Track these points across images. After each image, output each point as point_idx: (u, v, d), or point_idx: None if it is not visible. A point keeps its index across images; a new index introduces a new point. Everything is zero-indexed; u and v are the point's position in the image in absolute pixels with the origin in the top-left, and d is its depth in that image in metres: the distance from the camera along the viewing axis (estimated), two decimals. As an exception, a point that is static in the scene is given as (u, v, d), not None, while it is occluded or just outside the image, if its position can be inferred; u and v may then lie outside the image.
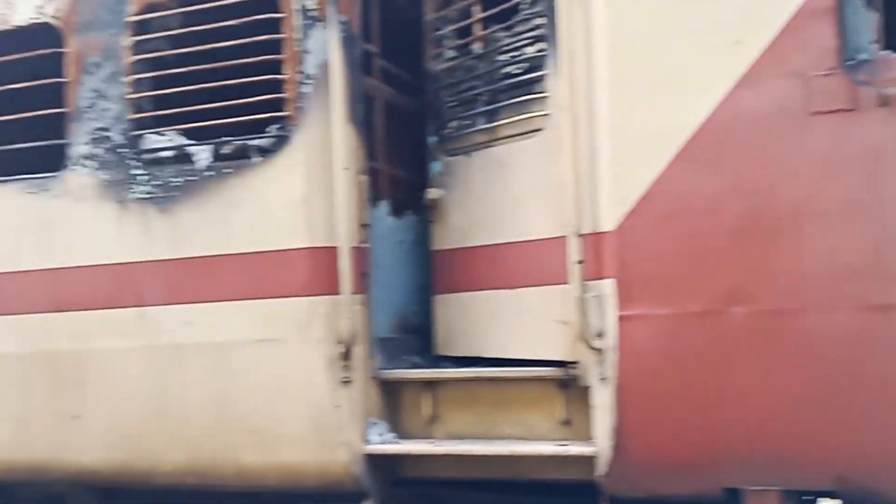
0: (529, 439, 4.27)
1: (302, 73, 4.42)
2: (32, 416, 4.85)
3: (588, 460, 3.96)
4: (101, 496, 5.10)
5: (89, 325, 4.75)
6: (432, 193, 4.75)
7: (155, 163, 4.69)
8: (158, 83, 4.73)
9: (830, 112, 3.52)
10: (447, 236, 4.73)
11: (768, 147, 3.58)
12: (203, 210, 4.56)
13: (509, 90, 4.42)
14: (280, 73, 4.44)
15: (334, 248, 4.34)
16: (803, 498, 3.71)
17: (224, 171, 4.53)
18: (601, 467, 3.89)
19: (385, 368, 4.55)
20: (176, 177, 4.63)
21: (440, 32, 4.78)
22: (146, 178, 4.69)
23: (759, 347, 3.60)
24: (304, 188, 4.37)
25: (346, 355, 4.33)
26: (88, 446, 4.74)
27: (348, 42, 4.43)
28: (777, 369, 3.57)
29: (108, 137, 4.77)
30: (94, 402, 4.73)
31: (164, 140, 4.72)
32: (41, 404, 4.84)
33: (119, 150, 4.74)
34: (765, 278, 3.58)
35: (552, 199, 4.14)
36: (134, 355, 4.65)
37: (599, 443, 3.90)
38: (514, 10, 4.41)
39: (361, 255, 4.43)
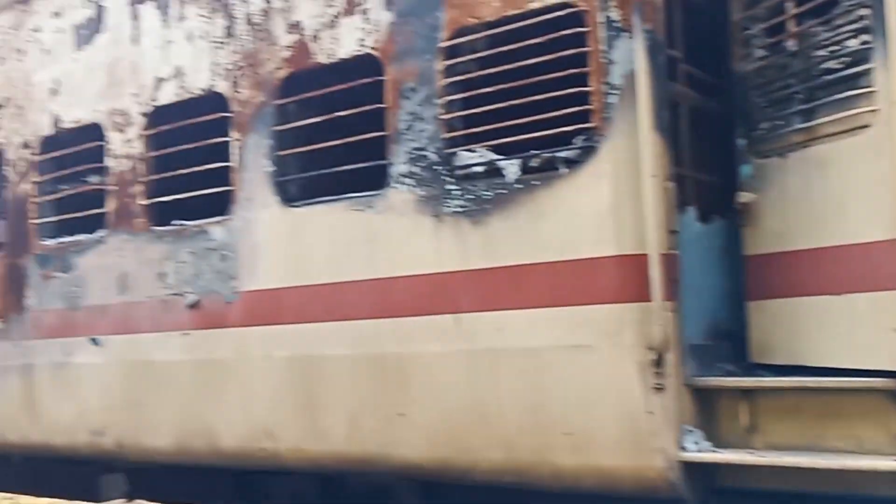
0: (860, 453, 4.06)
1: (608, 83, 4.48)
2: (362, 413, 5.28)
3: (931, 479, 3.72)
4: (422, 490, 5.46)
5: (411, 330, 5.09)
6: (744, 197, 4.64)
7: (467, 178, 4.95)
8: (469, 103, 4.98)
9: None
10: (762, 240, 4.59)
11: None
12: (513, 221, 4.74)
13: (829, 87, 4.22)
14: (586, 86, 4.53)
15: (644, 255, 4.35)
16: None
17: (532, 183, 4.69)
18: (947, 487, 3.63)
19: (698, 376, 4.51)
20: (487, 190, 4.84)
21: (749, 32, 4.65)
22: (459, 192, 4.95)
23: None
24: (612, 197, 4.43)
25: (658, 362, 4.33)
26: (413, 442, 5.07)
27: (653, 50, 4.43)
28: None
29: (424, 156, 5.09)
30: (417, 402, 5.06)
31: (475, 156, 4.96)
32: (370, 402, 5.25)
33: (434, 168, 5.04)
34: None
35: (883, 199, 3.91)
36: (452, 358, 4.93)
37: (945, 461, 3.64)
38: (833, 2, 4.20)
39: (671, 262, 4.41)
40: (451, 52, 5.04)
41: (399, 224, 5.15)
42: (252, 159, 5.81)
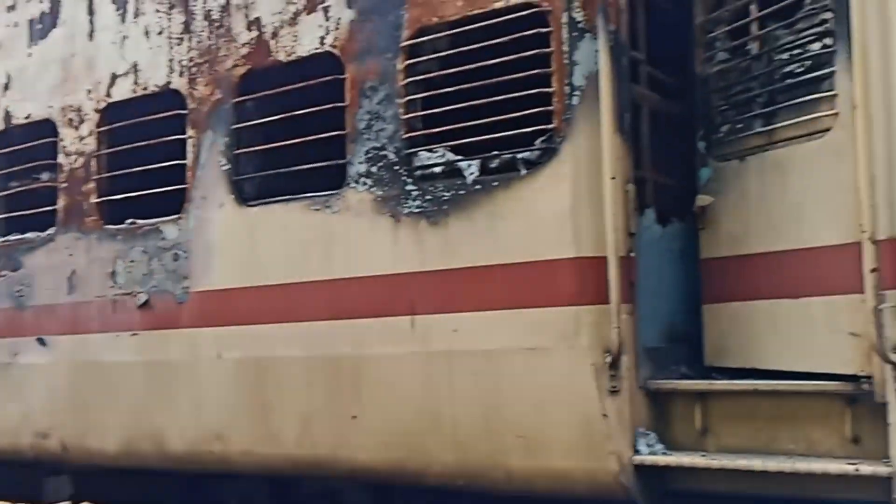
0: (812, 456, 4.05)
1: (570, 84, 4.46)
2: (315, 416, 5.18)
3: (881, 481, 3.71)
4: (375, 494, 5.37)
5: (366, 332, 5.02)
6: (702, 200, 4.64)
7: (427, 178, 4.90)
8: (430, 102, 4.94)
9: None
10: (719, 244, 4.59)
11: None
12: (472, 222, 4.69)
13: (791, 90, 4.25)
14: (548, 87, 4.50)
15: (602, 257, 4.32)
16: None
17: (492, 184, 4.65)
18: (899, 490, 3.62)
19: (653, 379, 4.49)
20: (446, 191, 4.80)
21: (712, 34, 4.67)
22: (418, 192, 4.89)
23: None
24: (572, 199, 4.40)
25: (614, 365, 4.30)
26: (365, 445, 4.99)
27: (616, 51, 4.42)
28: None
29: (383, 156, 5.03)
30: (370, 404, 4.98)
31: (435, 156, 4.91)
32: (323, 405, 5.16)
33: (393, 168, 4.99)
34: None
35: (841, 203, 3.92)
36: (407, 360, 4.86)
37: (897, 463, 3.64)
38: (797, 6, 4.23)
39: (629, 265, 4.39)
40: (412, 51, 4.99)
41: (356, 224, 5.09)
42: (208, 157, 5.72)
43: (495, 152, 4.68)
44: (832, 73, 3.98)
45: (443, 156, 4.89)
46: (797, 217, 4.16)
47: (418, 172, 4.93)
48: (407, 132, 4.97)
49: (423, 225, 4.86)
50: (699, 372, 4.68)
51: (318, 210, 5.24)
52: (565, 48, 4.48)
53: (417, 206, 4.89)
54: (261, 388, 5.38)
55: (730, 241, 4.53)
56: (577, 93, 4.45)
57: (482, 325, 4.62)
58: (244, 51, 5.66)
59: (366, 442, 4.98)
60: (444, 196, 4.80)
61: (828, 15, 4.02)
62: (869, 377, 3.81)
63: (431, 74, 4.95)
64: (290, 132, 5.41)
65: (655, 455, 4.29)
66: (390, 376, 4.92)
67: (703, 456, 4.22)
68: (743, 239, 4.45)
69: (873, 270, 3.66)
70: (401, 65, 4.99)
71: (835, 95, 3.96)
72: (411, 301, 4.87)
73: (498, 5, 4.71)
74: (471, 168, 4.76)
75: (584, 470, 4.34)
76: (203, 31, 5.87)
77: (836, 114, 3.95)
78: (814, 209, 4.08)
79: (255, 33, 5.63)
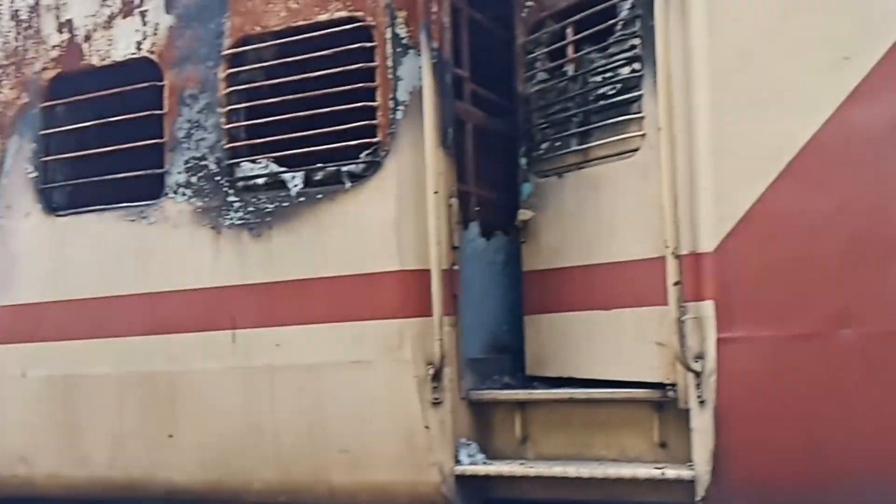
0: (624, 461, 4.24)
1: (394, 99, 4.49)
2: (128, 435, 4.96)
3: (686, 484, 3.91)
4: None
5: (184, 347, 4.86)
6: (523, 215, 4.77)
7: (249, 189, 4.80)
8: (253, 113, 4.85)
9: (945, 128, 3.46)
10: (539, 257, 4.73)
11: (880, 164, 3.52)
12: (295, 235, 4.64)
13: (603, 111, 4.43)
14: (372, 100, 4.51)
15: (425, 270, 4.37)
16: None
17: (316, 196, 4.62)
18: (700, 491, 3.83)
19: (476, 389, 4.57)
20: (269, 203, 4.72)
21: (532, 55, 4.82)
22: (240, 204, 4.79)
23: (868, 370, 3.52)
24: (396, 212, 4.43)
25: (436, 376, 4.35)
26: (182, 465, 4.83)
27: (439, 68, 4.49)
28: (887, 393, 3.48)
29: (203, 166, 4.90)
30: (187, 422, 4.83)
31: (257, 167, 4.82)
32: (136, 424, 4.95)
33: (214, 178, 4.87)
34: (876, 300, 3.51)
35: (648, 219, 4.12)
36: (226, 376, 4.75)
37: (698, 466, 3.85)
38: (609, 31, 4.43)
39: (452, 277, 4.46)
40: (234, 60, 4.89)
41: (175, 236, 4.92)
42: (13, 164, 5.39)
43: (319, 165, 4.64)
44: (640, 96, 4.19)
45: (266, 167, 4.81)
46: (609, 232, 4.35)
47: (240, 184, 4.83)
48: (229, 142, 4.86)
49: (245, 237, 4.75)
50: (522, 382, 4.80)
51: (133, 221, 5.04)
52: (389, 63, 4.51)
53: (239, 218, 4.78)
54: (70, 407, 5.11)
55: (549, 254, 4.68)
56: (401, 107, 4.49)
57: (305, 339, 4.58)
58: (54, 53, 5.38)
59: (183, 462, 4.82)
60: (267, 208, 4.72)
61: (636, 41, 4.23)
62: (673, 385, 4.02)
63: (255, 84, 4.86)
64: (105, 139, 5.17)
65: (476, 465, 4.36)
66: (209, 393, 4.78)
67: (522, 464, 4.33)
68: (560, 252, 4.61)
69: (676, 283, 3.87)
70: (222, 73, 4.88)
71: (642, 117, 4.17)
72: (232, 315, 4.75)
73: (322, 18, 4.68)
74: (295, 180, 4.71)
75: (406, 483, 4.36)
76: (10, 31, 5.53)
77: (643, 135, 4.16)
78: (624, 225, 4.28)
79: (66, 36, 5.36)
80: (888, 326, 3.50)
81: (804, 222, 3.65)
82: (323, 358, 4.53)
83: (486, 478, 4.41)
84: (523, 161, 4.84)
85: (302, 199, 4.65)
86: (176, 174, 4.95)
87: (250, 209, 4.76)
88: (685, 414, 3.97)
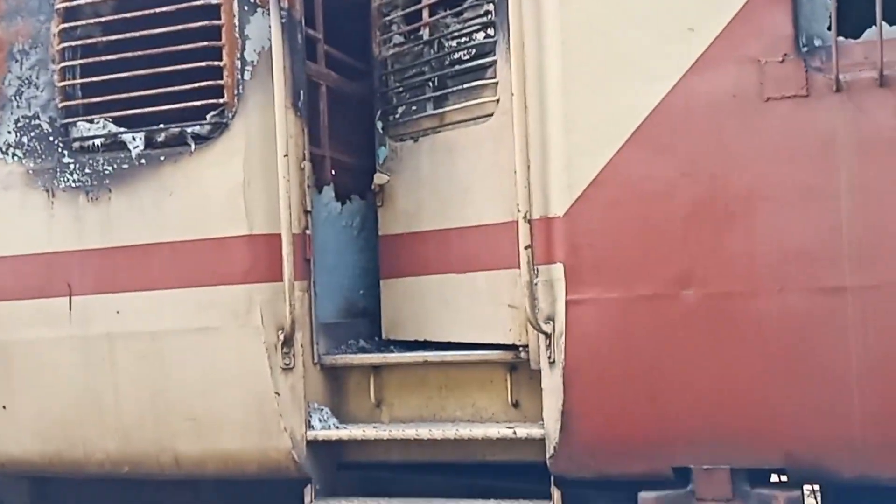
0: (478, 422, 4.30)
1: (241, 59, 4.35)
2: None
3: (537, 442, 4.01)
4: (33, 486, 4.96)
5: (17, 314, 4.62)
6: (379, 178, 4.74)
7: (85, 151, 4.58)
8: (90, 70, 4.60)
9: (784, 98, 3.60)
10: (395, 221, 4.71)
11: (722, 132, 3.65)
12: (136, 198, 4.46)
13: (458, 76, 4.44)
14: (219, 60, 4.36)
15: (276, 234, 4.28)
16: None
17: (159, 158, 4.44)
18: (549, 449, 3.93)
19: (330, 354, 4.53)
20: (108, 165, 4.52)
21: (388, 18, 4.76)
22: (76, 166, 4.57)
23: (709, 330, 3.68)
24: (244, 175, 4.31)
25: (287, 342, 4.29)
26: (18, 437, 4.61)
27: (289, 28, 4.38)
28: (727, 351, 3.65)
29: (36, 125, 4.64)
30: (23, 393, 4.60)
31: (94, 128, 4.60)
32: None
33: (48, 139, 4.62)
34: (716, 262, 3.66)
35: (501, 183, 4.16)
36: (64, 345, 4.54)
37: (548, 425, 3.94)
38: (464, -4, 4.43)
39: (304, 242, 4.40)
40: (69, 13, 4.62)
41: (5, 199, 4.65)
42: None
43: (162, 126, 4.46)
44: (494, 62, 4.21)
45: (104, 127, 4.59)
46: (464, 196, 4.37)
47: (76, 144, 4.60)
48: (63, 101, 4.61)
49: (81, 200, 4.54)
50: (379, 346, 4.79)
51: (-39, 182, 4.71)
52: (236, 22, 4.36)
53: (76, 181, 4.56)
54: None
55: (405, 218, 4.67)
56: (248, 68, 4.36)
57: (148, 305, 4.42)
58: None
59: (19, 433, 4.59)
60: (105, 170, 4.52)
61: (490, 7, 4.25)
62: (525, 346, 4.10)
63: (92, 40, 4.60)
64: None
65: (328, 430, 4.33)
66: (45, 362, 4.57)
67: (375, 428, 4.33)
68: (416, 216, 4.60)
69: (527, 247, 3.93)
70: (55, 28, 4.61)
71: (496, 83, 4.20)
72: (69, 281, 4.53)
73: (164, -29, 4.47)
74: (135, 141, 4.52)
75: (256, 450, 4.29)
76: None
77: (497, 100, 4.19)
78: (478, 189, 4.31)
79: None
80: (728, 287, 3.66)
81: (649, 188, 3.76)
82: (166, 325, 4.39)
83: (339, 442, 4.40)
84: (379, 125, 4.79)
85: (143, 161, 4.47)
86: (6, 134, 4.68)
87: (87, 171, 4.55)
88: (537, 374, 4.06)
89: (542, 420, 3.99)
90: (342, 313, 4.89)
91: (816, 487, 4.57)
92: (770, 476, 3.87)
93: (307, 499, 4.30)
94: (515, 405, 4.28)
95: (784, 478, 3.79)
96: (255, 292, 4.28)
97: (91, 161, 4.53)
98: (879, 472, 3.52)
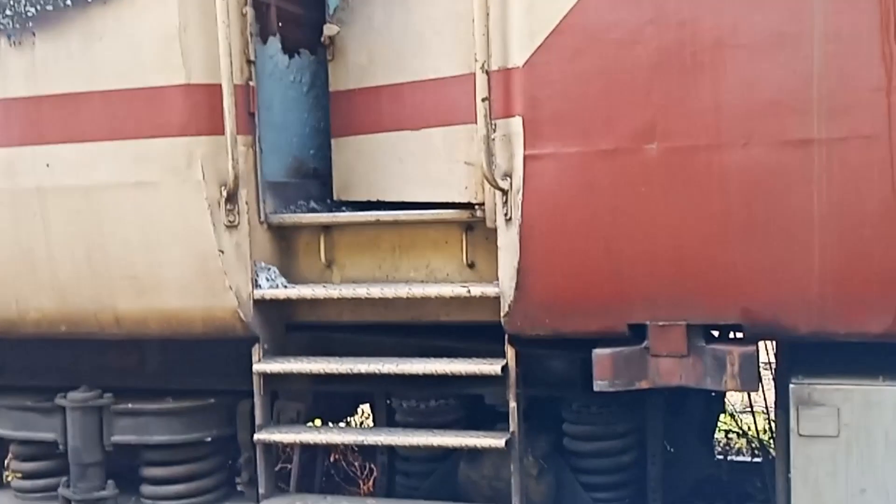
0: (432, 283, 4.20)
1: None
2: None
3: (492, 301, 3.92)
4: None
5: None
6: (329, 30, 4.46)
7: (6, -10, 4.24)
8: None
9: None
10: (346, 76, 4.47)
11: (691, -24, 3.46)
12: (64, 44, 4.15)
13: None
14: None
15: (216, 85, 4.02)
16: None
17: (87, 0, 4.11)
18: (504, 308, 3.85)
19: (277, 212, 4.36)
20: (30, 6, 4.18)
21: None
22: (-5, 7, 4.23)
23: (671, 185, 3.55)
24: (179, 19, 4.00)
25: (231, 198, 4.10)
26: None
27: None
28: (688, 207, 3.54)
29: None
30: None
31: (16, -35, 4.24)
32: None
33: None
34: (681, 114, 3.50)
35: (458, 34, 3.94)
36: None
37: (503, 283, 3.85)
38: None
39: (247, 94, 4.16)
40: None
41: None
42: None
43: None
44: None
45: (26, -36, 4.23)
46: (419, 48, 4.13)
47: (-4, -17, 4.24)
48: None
49: (3, 45, 4.22)
50: (330, 208, 4.62)
51: None
52: None
53: None
54: None
55: (357, 72, 4.42)
56: None
57: (80, 158, 4.18)
58: None
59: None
60: (28, 12, 4.18)
61: None
62: (481, 204, 3.97)
63: None
64: None
65: (276, 289, 4.20)
66: None
67: (325, 287, 4.20)
68: (369, 71, 4.36)
69: (484, 100, 3.73)
70: None
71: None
72: None
73: None
74: (60, -19, 4.18)
75: (200, 308, 4.15)
76: None
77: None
78: (434, 40, 4.07)
79: None
80: (692, 141, 3.53)
81: (614, 36, 3.56)
82: (100, 179, 4.16)
83: (289, 302, 4.28)
84: (329, -29, 4.50)
85: (69, 3, 4.13)
86: None
87: (8, 13, 4.21)
88: (493, 235, 3.94)
89: (498, 279, 3.90)
90: (291, 173, 4.69)
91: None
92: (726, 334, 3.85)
93: (255, 357, 4.21)
94: (471, 266, 4.16)
95: (739, 335, 3.77)
96: (195, 146, 4.05)
97: (13, 3, 4.19)
98: (835, 328, 3.50)
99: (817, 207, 3.43)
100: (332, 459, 6.29)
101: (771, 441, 5.67)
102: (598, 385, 3.75)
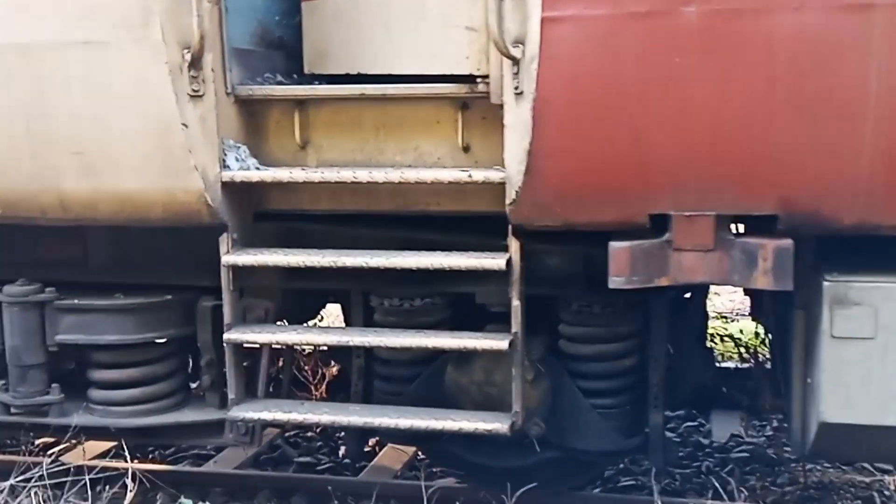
0: (421, 167, 3.72)
1: None
2: None
3: (493, 188, 3.48)
4: None
5: None
6: None
7: None
8: None
9: None
10: (321, -77, 3.89)
11: None
12: None
13: None
14: None
15: None
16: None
17: None
18: (510, 195, 3.41)
19: (244, 84, 3.80)
20: None
21: None
22: None
23: (708, 55, 3.12)
24: None
25: (195, 64, 3.54)
26: None
27: None
28: (728, 79, 3.12)
29: None
30: None
31: None
32: None
33: None
34: (725, -29, 3.07)
35: None
36: None
37: (510, 167, 3.40)
38: None
39: None
40: None
41: None
42: None
43: None
44: None
45: None
46: None
47: None
48: None
49: None
50: (300, 82, 4.07)
51: None
52: None
53: None
54: None
55: (333, -80, 3.85)
56: None
57: (13, 11, 3.59)
58: None
59: None
60: None
61: None
62: (485, 77, 3.49)
63: None
64: None
65: (248, 171, 3.68)
66: None
67: (303, 170, 3.70)
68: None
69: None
70: None
71: None
72: None
73: None
74: None
75: (159, 190, 3.62)
76: None
77: None
78: None
79: None
80: (736, 3, 3.08)
81: None
82: (39, 36, 3.58)
83: (260, 186, 3.77)
84: None
85: None
86: None
87: None
88: (491, 114, 3.48)
89: (501, 164, 3.45)
90: (256, 40, 4.10)
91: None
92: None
93: (223, 248, 3.70)
94: (466, 149, 3.69)
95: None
96: (153, 0, 3.47)
97: None
98: (883, 219, 3.17)
99: (874, 83, 3.05)
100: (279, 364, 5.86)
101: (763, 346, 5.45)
102: (614, 282, 3.37)
